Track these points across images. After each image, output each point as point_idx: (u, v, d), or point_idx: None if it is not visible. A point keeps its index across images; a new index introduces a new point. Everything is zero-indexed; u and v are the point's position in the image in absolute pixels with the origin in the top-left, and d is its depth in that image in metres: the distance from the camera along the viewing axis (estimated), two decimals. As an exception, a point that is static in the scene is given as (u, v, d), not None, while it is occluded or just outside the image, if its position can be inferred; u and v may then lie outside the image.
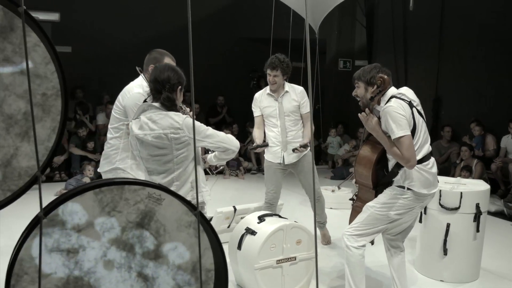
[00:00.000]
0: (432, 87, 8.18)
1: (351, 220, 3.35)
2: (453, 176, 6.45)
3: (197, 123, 2.45)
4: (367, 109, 3.06)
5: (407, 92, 3.08)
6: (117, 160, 3.26)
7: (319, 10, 7.51)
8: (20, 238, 1.16)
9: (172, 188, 2.39)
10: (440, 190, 3.83)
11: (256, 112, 4.37)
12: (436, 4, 8.06)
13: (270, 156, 4.34)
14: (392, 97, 2.99)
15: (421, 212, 3.97)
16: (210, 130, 2.55)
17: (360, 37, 9.66)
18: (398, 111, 2.87)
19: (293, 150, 4.16)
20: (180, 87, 2.60)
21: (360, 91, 3.13)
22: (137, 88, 3.21)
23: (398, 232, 3.24)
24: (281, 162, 4.28)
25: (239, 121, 9.72)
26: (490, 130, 7.21)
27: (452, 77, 7.94)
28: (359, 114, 3.06)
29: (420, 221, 3.99)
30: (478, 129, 7.15)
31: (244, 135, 9.30)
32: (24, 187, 1.20)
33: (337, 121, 9.40)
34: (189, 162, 2.52)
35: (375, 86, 3.04)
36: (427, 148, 3.02)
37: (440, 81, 8.12)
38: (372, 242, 3.39)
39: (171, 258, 1.26)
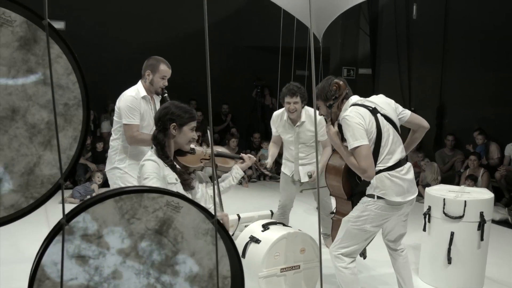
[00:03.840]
0: (436, 95, 8.22)
1: (333, 235, 3.30)
2: (457, 184, 6.46)
3: (146, 170, 2.35)
4: (327, 120, 3.00)
5: (376, 99, 2.99)
6: (116, 160, 3.48)
7: (323, 18, 7.55)
8: (42, 244, 1.19)
9: None
10: (444, 199, 3.85)
11: (273, 131, 4.38)
12: (439, 12, 8.11)
13: (287, 169, 4.39)
14: (353, 105, 2.91)
15: (424, 221, 3.98)
16: (146, 181, 2.32)
17: (364, 45, 9.71)
18: (354, 120, 2.79)
19: (309, 177, 4.23)
20: (174, 124, 2.47)
21: (322, 110, 3.06)
22: (131, 91, 3.45)
23: (394, 237, 3.21)
24: (298, 178, 4.31)
25: (243, 129, 9.77)
26: (494, 138, 7.22)
27: (455, 85, 7.98)
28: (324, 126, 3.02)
29: (424, 229, 4.00)
30: (481, 138, 7.17)
31: (247, 143, 9.34)
32: (46, 194, 1.23)
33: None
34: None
35: (333, 96, 2.96)
36: (399, 153, 2.92)
37: (443, 89, 8.16)
38: (364, 256, 3.34)
39: (189, 265, 1.28)
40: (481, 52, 7.53)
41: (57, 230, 1.17)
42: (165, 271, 1.27)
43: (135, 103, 3.38)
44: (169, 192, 1.28)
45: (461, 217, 3.78)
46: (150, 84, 3.48)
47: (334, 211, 3.38)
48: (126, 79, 3.98)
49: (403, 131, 3.06)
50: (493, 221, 4.77)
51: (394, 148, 2.90)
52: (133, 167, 3.44)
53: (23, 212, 1.24)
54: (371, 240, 3.10)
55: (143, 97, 3.45)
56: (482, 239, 3.79)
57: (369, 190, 2.92)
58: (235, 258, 1.30)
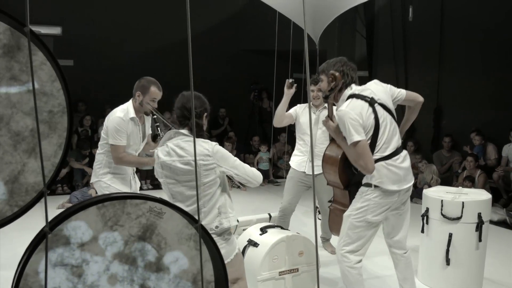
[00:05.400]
0: (433, 96, 8.21)
1: (330, 225, 3.36)
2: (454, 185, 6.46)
3: (226, 151, 2.55)
4: (328, 119, 2.98)
5: (372, 86, 2.96)
6: (100, 173, 3.55)
7: (319, 21, 7.56)
8: (25, 253, 1.18)
9: (200, 215, 2.43)
10: (442, 200, 3.84)
11: (291, 110, 4.42)
12: (435, 13, 8.13)
13: (295, 164, 4.39)
14: (350, 96, 2.89)
15: (422, 222, 3.98)
16: (237, 161, 2.59)
17: (360, 48, 9.72)
18: (349, 115, 2.77)
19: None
20: (206, 114, 2.65)
21: (323, 85, 3.05)
22: (120, 112, 3.46)
23: (395, 235, 3.18)
24: (305, 171, 4.30)
25: (241, 133, 9.76)
26: (491, 139, 7.22)
27: (453, 86, 7.98)
28: (322, 120, 3.02)
29: (422, 231, 4.00)
30: (478, 139, 7.18)
31: (246, 147, 9.33)
32: (31, 202, 1.23)
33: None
34: (216, 188, 2.55)
35: (328, 87, 2.95)
36: (395, 141, 2.93)
37: (441, 90, 8.16)
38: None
39: (172, 270, 1.28)
40: (478, 53, 7.53)
41: (40, 238, 1.17)
42: (149, 277, 1.26)
43: (122, 125, 3.41)
44: (152, 198, 1.28)
45: (459, 218, 3.78)
46: (140, 105, 3.49)
47: (332, 199, 3.38)
48: (124, 84, 3.97)
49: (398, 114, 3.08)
50: (491, 222, 4.76)
51: (391, 137, 2.91)
52: (114, 181, 3.54)
53: (7, 220, 1.24)
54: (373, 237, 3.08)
55: (132, 119, 3.47)
56: (480, 240, 3.79)
57: (365, 179, 2.93)
58: (219, 263, 1.29)
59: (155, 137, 3.66)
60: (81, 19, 8.71)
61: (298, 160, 4.36)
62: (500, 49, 7.19)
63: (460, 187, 4.29)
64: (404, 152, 3.00)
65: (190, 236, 1.29)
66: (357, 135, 2.75)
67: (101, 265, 1.23)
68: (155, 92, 3.47)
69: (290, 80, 4.17)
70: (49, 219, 1.20)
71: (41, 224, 1.20)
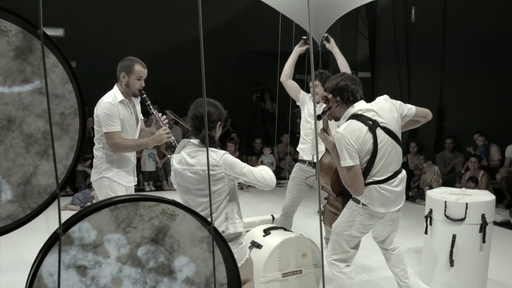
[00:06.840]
0: (436, 98, 8.22)
1: (324, 221, 3.48)
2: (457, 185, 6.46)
3: (234, 159, 2.54)
4: (323, 131, 2.94)
5: (379, 104, 2.89)
6: (103, 169, 3.38)
7: (322, 22, 7.55)
8: (38, 255, 1.19)
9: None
10: (446, 201, 3.84)
11: (301, 91, 4.40)
12: (438, 15, 8.13)
13: (303, 153, 4.36)
14: (352, 116, 2.84)
15: (426, 223, 3.98)
16: (246, 167, 2.55)
17: (363, 49, 9.73)
18: (346, 139, 2.74)
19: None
20: (219, 123, 2.68)
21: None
22: (107, 98, 3.33)
23: (383, 239, 3.24)
24: (311, 159, 4.28)
25: (243, 134, 9.77)
26: (495, 140, 7.23)
27: (455, 87, 7.98)
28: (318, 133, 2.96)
29: (426, 232, 4.00)
30: (482, 139, 7.18)
31: (248, 149, 9.33)
32: (43, 204, 1.24)
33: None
34: (224, 196, 2.58)
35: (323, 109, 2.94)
36: (395, 165, 2.89)
37: (443, 91, 8.17)
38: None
39: (185, 273, 1.28)
40: (481, 54, 7.54)
41: (53, 240, 1.17)
42: (161, 279, 1.27)
43: (112, 109, 3.26)
44: (165, 200, 1.29)
45: (462, 219, 3.77)
46: (127, 87, 3.36)
47: (327, 198, 3.46)
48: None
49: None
50: (495, 223, 4.77)
51: (390, 161, 2.87)
52: (120, 175, 3.39)
53: (20, 223, 1.24)
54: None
55: (121, 102, 3.33)
56: (484, 241, 3.79)
57: None
58: (232, 265, 1.30)
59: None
60: (83, 20, 8.72)
61: (305, 148, 4.33)
62: (503, 49, 7.20)
63: (463, 188, 4.29)
64: (402, 174, 2.97)
65: (203, 238, 1.29)
66: (350, 160, 2.75)
67: (113, 267, 1.23)
68: (140, 70, 3.34)
69: (304, 37, 4.17)
70: (52, 221, 1.20)
71: (45, 226, 1.21)
